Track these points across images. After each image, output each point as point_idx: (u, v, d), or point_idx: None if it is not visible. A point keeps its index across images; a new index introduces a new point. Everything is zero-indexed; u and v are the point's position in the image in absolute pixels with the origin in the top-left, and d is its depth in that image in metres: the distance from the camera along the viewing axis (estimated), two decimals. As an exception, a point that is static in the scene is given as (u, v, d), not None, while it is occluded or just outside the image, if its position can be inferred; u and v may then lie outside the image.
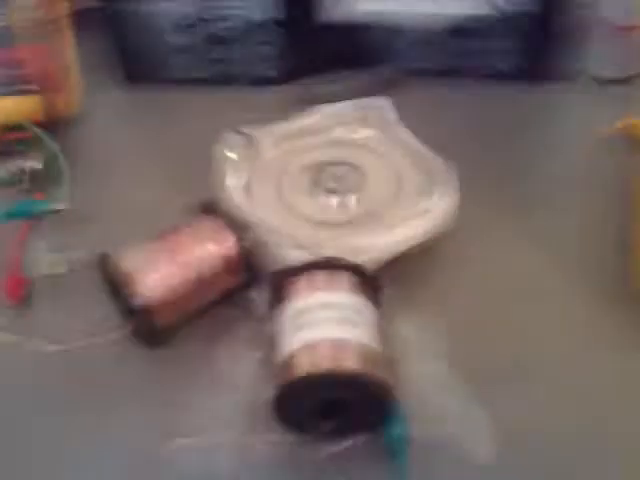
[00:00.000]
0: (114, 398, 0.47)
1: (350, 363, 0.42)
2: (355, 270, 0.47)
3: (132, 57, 0.72)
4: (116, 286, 0.48)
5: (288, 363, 0.43)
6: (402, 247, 0.51)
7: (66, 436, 0.45)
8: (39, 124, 0.63)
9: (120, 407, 0.46)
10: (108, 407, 0.46)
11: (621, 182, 0.60)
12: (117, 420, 0.46)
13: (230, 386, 0.46)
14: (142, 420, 0.45)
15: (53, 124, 0.64)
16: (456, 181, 0.54)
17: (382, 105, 0.63)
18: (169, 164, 0.64)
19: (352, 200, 0.55)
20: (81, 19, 0.67)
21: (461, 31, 0.69)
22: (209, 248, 0.49)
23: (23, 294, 0.53)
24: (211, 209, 0.52)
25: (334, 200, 0.55)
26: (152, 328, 0.47)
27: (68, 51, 0.67)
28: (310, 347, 0.42)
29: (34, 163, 0.62)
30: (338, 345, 0.42)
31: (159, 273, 0.47)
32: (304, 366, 0.42)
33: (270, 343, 0.45)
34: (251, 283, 0.51)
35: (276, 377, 0.43)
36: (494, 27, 0.68)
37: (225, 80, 0.72)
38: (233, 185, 0.55)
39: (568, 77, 0.71)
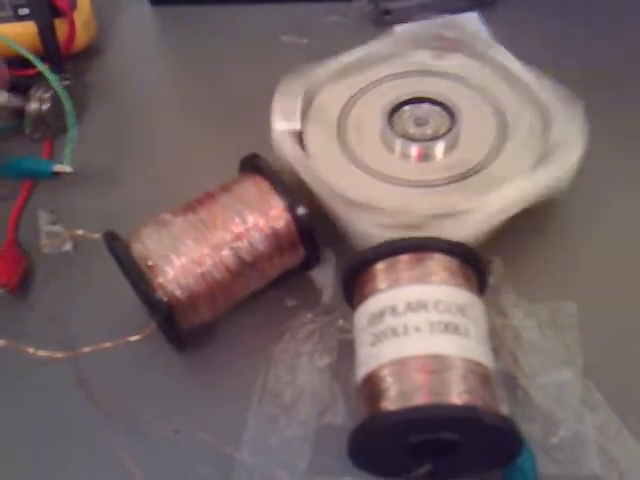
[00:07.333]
0: (137, 420, 0.36)
1: (455, 394, 0.30)
2: (453, 250, 0.35)
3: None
4: (129, 275, 0.36)
5: (367, 390, 0.32)
6: (512, 210, 0.40)
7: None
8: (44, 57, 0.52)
9: (146, 432, 0.36)
10: (133, 430, 0.36)
11: None
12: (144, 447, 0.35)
13: (288, 408, 0.35)
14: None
15: (61, 57, 0.54)
16: (581, 118, 0.43)
17: (473, 22, 0.55)
18: (210, 107, 0.54)
19: (440, 149, 0.44)
20: None
21: None
22: (251, 220, 0.37)
23: (17, 279, 0.42)
24: (255, 167, 0.39)
25: (415, 150, 0.44)
26: (178, 329, 0.36)
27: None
28: (397, 368, 0.31)
29: (37, 105, 0.50)
30: (437, 367, 0.31)
31: (185, 258, 0.35)
32: (389, 398, 0.30)
33: (342, 345, 0.36)
34: (310, 263, 0.40)
35: (354, 404, 0.33)
36: None
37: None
38: (286, 133, 0.44)
39: None
